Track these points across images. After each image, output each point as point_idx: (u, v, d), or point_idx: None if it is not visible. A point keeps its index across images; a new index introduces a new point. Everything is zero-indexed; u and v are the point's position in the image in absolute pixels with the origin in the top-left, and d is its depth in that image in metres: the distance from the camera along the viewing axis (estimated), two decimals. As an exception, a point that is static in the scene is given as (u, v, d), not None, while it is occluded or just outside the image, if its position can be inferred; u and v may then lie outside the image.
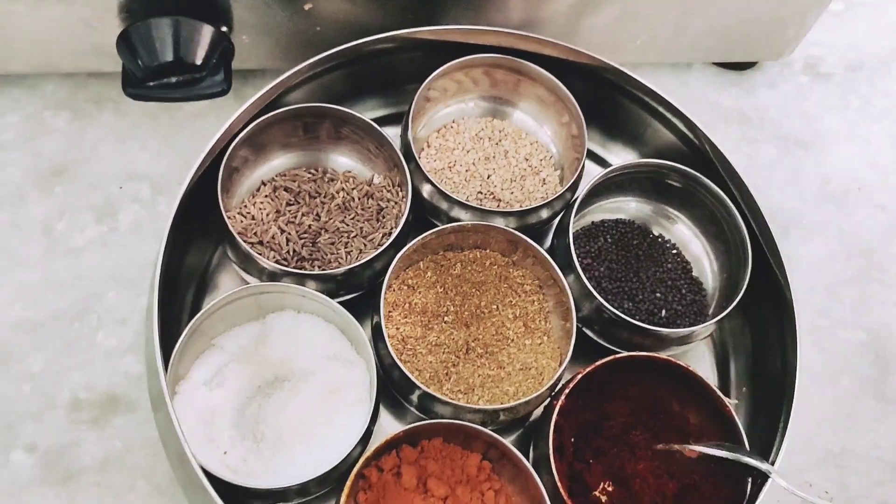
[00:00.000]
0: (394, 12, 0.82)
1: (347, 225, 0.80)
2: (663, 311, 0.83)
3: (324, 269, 0.76)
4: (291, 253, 0.78)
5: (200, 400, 0.72)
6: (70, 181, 0.89)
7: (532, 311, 0.79)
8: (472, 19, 0.84)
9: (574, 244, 0.78)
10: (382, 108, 0.90)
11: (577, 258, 0.77)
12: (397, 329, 0.76)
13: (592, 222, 0.87)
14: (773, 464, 0.72)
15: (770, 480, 0.70)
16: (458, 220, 0.79)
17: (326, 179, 0.82)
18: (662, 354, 0.75)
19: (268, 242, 0.78)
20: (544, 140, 0.88)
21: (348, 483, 0.68)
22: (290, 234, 0.78)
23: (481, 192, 0.84)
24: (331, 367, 0.74)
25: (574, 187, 0.82)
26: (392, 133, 0.80)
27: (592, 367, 0.74)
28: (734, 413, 0.73)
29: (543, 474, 0.70)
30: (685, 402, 0.76)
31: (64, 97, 0.93)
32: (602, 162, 0.92)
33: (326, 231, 0.79)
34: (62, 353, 0.82)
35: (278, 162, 0.83)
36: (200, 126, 0.93)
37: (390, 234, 0.78)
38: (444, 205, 0.79)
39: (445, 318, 0.77)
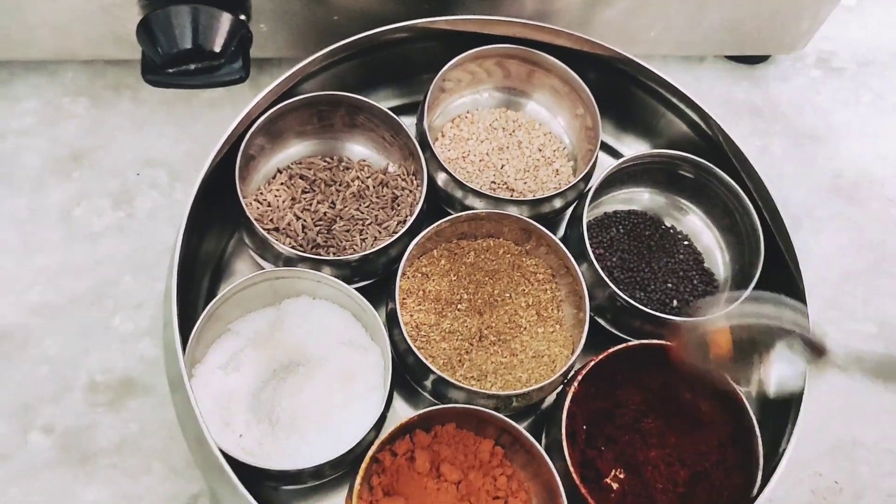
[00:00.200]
0: (410, 2, 0.82)
1: (362, 213, 0.80)
2: (675, 301, 0.83)
3: (339, 256, 0.77)
4: (307, 240, 0.78)
5: (216, 384, 0.72)
6: (88, 167, 0.90)
7: (545, 299, 0.79)
8: (487, 10, 0.85)
9: (587, 234, 0.79)
10: (396, 97, 0.90)
11: (591, 247, 0.78)
12: (411, 316, 0.77)
13: (605, 213, 0.87)
14: (783, 454, 0.73)
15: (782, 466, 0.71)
16: (472, 208, 0.79)
17: (342, 168, 0.83)
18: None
19: (283, 229, 0.79)
20: (557, 131, 0.89)
21: (363, 466, 0.68)
22: (305, 220, 0.79)
23: (495, 182, 0.84)
24: (345, 352, 0.74)
25: (587, 178, 0.82)
26: (406, 123, 0.81)
27: (605, 354, 0.74)
28: (745, 401, 0.73)
29: (555, 461, 0.70)
30: (697, 390, 0.77)
31: (83, 84, 0.94)
32: (615, 153, 0.92)
33: (341, 218, 0.80)
34: (79, 337, 0.83)
35: (294, 150, 0.83)
36: (217, 114, 0.94)
37: (405, 221, 0.79)
38: (458, 193, 0.80)
39: (459, 306, 0.78)
